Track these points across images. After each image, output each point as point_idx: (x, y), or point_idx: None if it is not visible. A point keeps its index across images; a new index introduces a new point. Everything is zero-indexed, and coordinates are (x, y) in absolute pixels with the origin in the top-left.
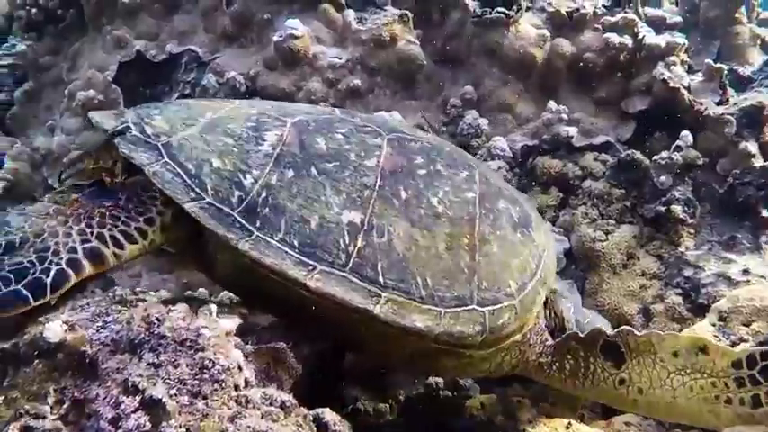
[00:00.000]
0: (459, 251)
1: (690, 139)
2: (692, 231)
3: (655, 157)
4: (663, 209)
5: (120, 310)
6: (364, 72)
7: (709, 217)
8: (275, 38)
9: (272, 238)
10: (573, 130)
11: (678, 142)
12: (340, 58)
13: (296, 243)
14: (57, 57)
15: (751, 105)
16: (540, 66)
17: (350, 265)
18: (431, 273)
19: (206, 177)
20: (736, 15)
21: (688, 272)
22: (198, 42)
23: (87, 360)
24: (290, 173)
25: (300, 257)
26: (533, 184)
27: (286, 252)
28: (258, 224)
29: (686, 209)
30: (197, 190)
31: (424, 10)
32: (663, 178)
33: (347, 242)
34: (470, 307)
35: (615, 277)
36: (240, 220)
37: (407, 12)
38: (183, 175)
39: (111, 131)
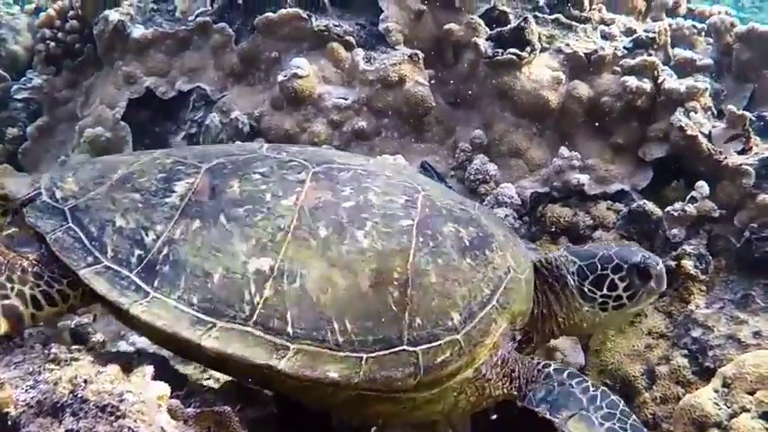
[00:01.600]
0: (387, 288)
1: (706, 189)
2: (704, 288)
3: (668, 208)
4: (673, 263)
5: (52, 369)
6: (371, 113)
7: (724, 272)
8: (280, 77)
9: (169, 296)
10: (584, 178)
11: (693, 193)
12: (346, 99)
13: (195, 300)
14: (74, 90)
15: None
16: (555, 109)
17: (254, 318)
18: (351, 316)
19: (107, 239)
20: None
21: (696, 332)
22: (207, 79)
23: (9, 422)
24: (197, 224)
25: (198, 315)
26: (542, 233)
27: (182, 311)
28: (156, 283)
29: (698, 264)
30: (96, 254)
31: (437, 50)
32: (675, 231)
33: (253, 293)
34: (399, 348)
35: (620, 335)
36: (137, 281)
37: (418, 52)
38: (85, 238)
39: (21, 201)
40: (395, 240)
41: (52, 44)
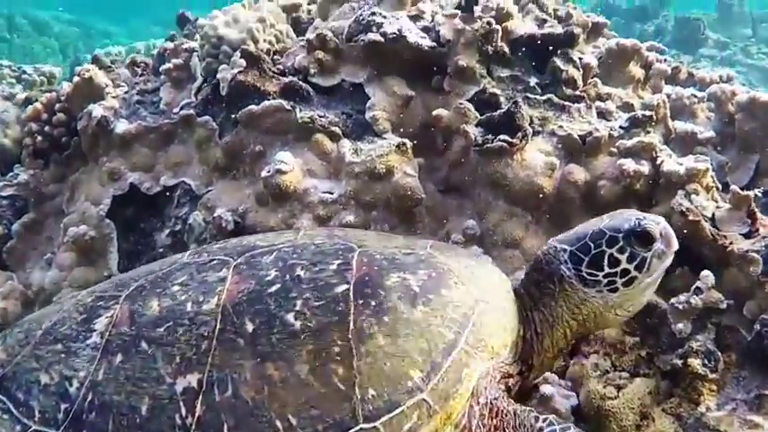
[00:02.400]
0: (329, 366)
1: (711, 280)
2: (714, 387)
3: (672, 301)
4: (680, 362)
5: None
6: (359, 207)
7: (735, 368)
8: (263, 173)
9: None
10: None
11: (698, 283)
12: (332, 193)
13: None
14: (61, 185)
15: None
16: (550, 195)
17: None
18: (293, 408)
19: (34, 401)
20: None
21: None
22: (192, 174)
23: None
24: (119, 358)
25: None
26: None
27: None
28: None
29: (707, 362)
30: (24, 420)
31: (427, 136)
32: (680, 326)
33: (184, 415)
34: (355, 429)
35: None
36: None
37: (406, 141)
38: (13, 407)
39: None
40: (330, 312)
41: (39, 138)
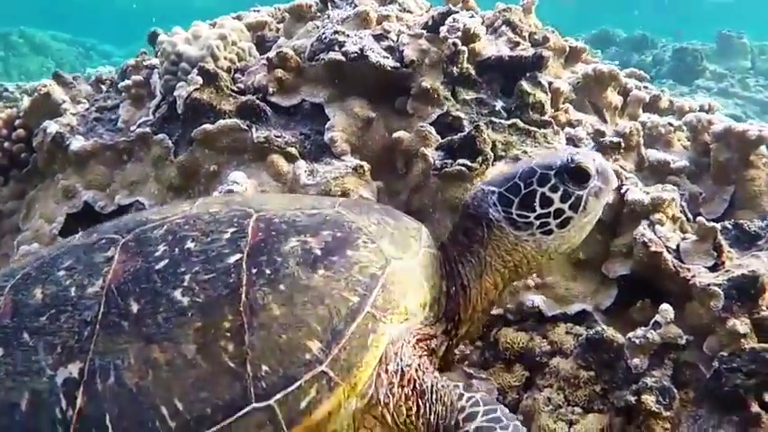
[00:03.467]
0: (219, 343)
1: (670, 314)
2: (668, 426)
3: (629, 335)
4: (633, 399)
5: None
6: None
7: (692, 406)
8: (215, 193)
9: None
10: (539, 300)
11: (657, 317)
12: None
13: None
14: (20, 202)
15: (742, 275)
16: None
17: None
18: (179, 392)
19: None
20: (752, 159)
21: None
22: (147, 193)
23: None
24: (0, 353)
25: None
26: (496, 360)
27: None
28: None
29: (661, 399)
30: None
31: (388, 158)
32: (636, 361)
33: (64, 408)
34: (247, 409)
35: None
36: None
37: (363, 164)
38: None
39: None
40: (220, 285)
41: None
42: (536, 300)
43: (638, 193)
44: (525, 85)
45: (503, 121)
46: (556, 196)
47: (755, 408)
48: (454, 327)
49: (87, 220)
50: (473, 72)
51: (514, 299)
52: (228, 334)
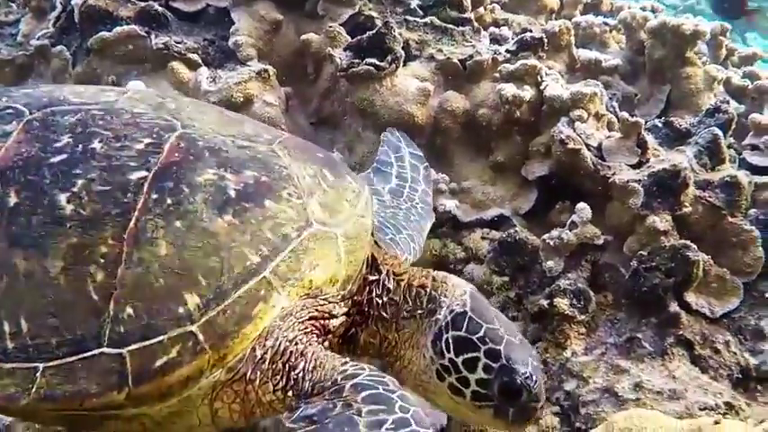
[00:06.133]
0: (88, 268)
1: (587, 213)
2: (583, 331)
3: (544, 236)
4: (545, 303)
5: None
6: None
7: (611, 310)
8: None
9: None
10: (452, 204)
11: (573, 217)
12: None
13: None
14: None
15: (663, 169)
16: (424, 125)
17: None
18: (29, 312)
19: None
20: (688, 55)
21: (570, 385)
22: None
23: None
24: None
25: None
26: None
27: None
28: None
29: (575, 302)
30: None
31: (299, 64)
32: (551, 263)
33: None
34: (95, 352)
35: None
36: None
37: (268, 68)
38: None
39: None
40: (111, 202)
41: None
42: (448, 204)
43: (557, 88)
44: None
45: (417, 19)
46: (478, 377)
47: (674, 307)
48: (362, 319)
49: None
50: None
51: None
52: (102, 260)
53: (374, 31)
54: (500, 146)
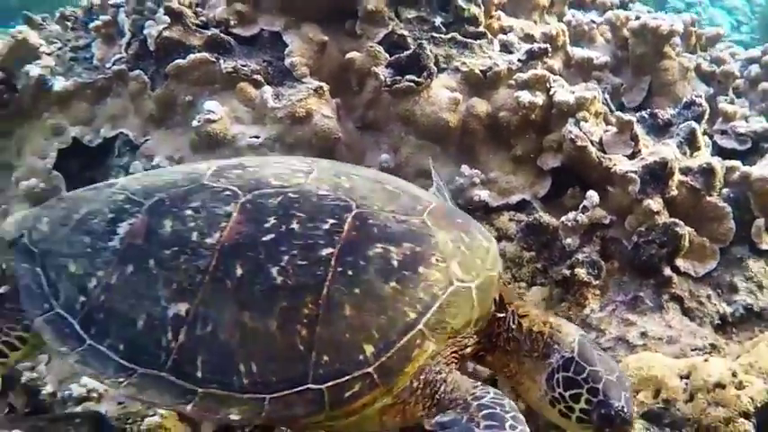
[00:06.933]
0: (295, 326)
1: (595, 199)
2: (598, 292)
3: (562, 219)
4: (568, 272)
5: None
6: (283, 149)
7: (618, 274)
8: (194, 122)
9: (101, 344)
10: (485, 194)
11: (585, 202)
12: (258, 137)
13: (122, 347)
14: (7, 140)
15: (654, 162)
16: (456, 128)
17: (169, 363)
18: (257, 357)
19: (61, 284)
20: (665, 50)
21: (591, 335)
22: (130, 125)
23: None
24: (130, 269)
25: (122, 362)
26: None
27: (109, 358)
28: (93, 331)
29: (591, 270)
30: (51, 300)
31: (343, 77)
32: (569, 240)
33: (169, 339)
34: (303, 387)
35: None
36: (78, 328)
37: (323, 84)
38: (45, 284)
39: (9, 242)
40: (309, 274)
41: None
42: (482, 194)
43: (564, 94)
44: (460, 1)
45: (442, 35)
46: (589, 412)
47: (668, 272)
48: (491, 345)
49: (76, 154)
50: None
51: (463, 195)
52: (305, 321)
53: (411, 51)
54: (518, 142)
